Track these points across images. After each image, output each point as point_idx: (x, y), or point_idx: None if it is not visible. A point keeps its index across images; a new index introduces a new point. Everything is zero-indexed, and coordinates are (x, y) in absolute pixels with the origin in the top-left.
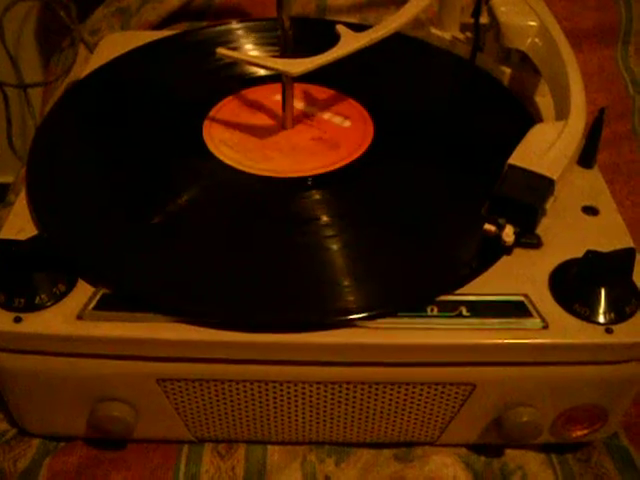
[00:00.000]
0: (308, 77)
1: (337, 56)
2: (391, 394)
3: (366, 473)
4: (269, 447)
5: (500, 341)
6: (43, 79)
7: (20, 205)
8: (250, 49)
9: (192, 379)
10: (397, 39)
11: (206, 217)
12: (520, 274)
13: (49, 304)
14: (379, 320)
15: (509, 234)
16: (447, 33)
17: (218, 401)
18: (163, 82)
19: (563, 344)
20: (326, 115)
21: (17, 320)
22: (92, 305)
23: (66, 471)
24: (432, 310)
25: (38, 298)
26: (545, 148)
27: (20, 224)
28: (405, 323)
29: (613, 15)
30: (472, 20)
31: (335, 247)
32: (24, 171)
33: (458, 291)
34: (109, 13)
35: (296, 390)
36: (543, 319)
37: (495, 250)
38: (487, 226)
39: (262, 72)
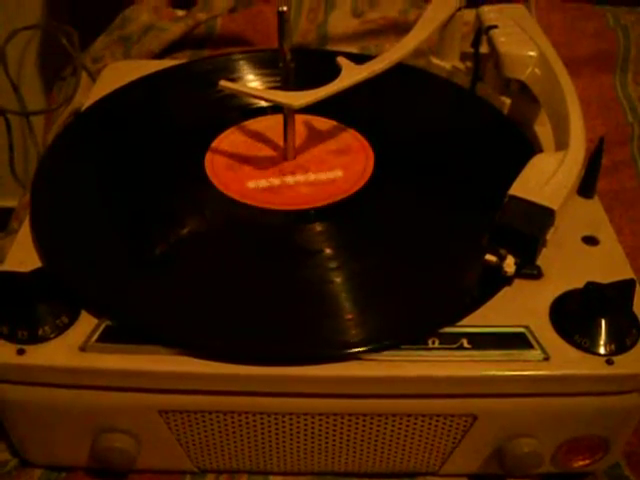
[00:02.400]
0: (309, 107)
1: (338, 89)
2: (393, 425)
3: None
4: (271, 478)
5: (501, 373)
6: (45, 106)
7: (23, 236)
8: (252, 79)
9: (194, 411)
10: (397, 68)
11: (208, 249)
12: (521, 305)
13: (52, 336)
14: (381, 353)
15: (510, 265)
16: (447, 62)
17: (220, 432)
18: (165, 113)
19: (564, 375)
20: (327, 146)
21: (20, 352)
22: (95, 337)
23: None
24: (433, 342)
25: (41, 330)
26: (545, 179)
27: (23, 255)
28: (407, 355)
29: (611, 43)
30: (472, 50)
31: (337, 280)
32: (26, 199)
33: (459, 323)
34: (111, 41)
35: (298, 422)
36: (544, 350)
37: (496, 281)
38: (488, 257)
39: (264, 103)
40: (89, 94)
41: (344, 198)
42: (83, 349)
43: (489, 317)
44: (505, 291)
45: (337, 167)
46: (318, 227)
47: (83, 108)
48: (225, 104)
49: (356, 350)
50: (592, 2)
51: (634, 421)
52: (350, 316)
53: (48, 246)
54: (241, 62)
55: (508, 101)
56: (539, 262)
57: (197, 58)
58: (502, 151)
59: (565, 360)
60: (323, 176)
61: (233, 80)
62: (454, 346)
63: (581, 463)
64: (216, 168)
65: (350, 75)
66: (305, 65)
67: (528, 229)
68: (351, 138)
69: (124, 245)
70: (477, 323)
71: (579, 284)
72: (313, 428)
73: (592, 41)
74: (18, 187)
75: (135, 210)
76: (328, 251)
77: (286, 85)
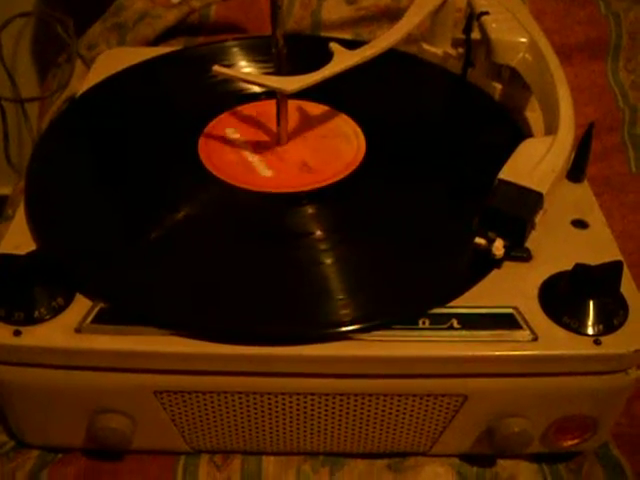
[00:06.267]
0: (301, 93)
1: (330, 74)
2: (384, 405)
3: None
4: (264, 458)
5: (490, 353)
6: (40, 93)
7: (18, 220)
8: (245, 66)
9: (188, 391)
10: (389, 54)
11: (202, 232)
12: (510, 287)
13: (48, 317)
14: (372, 333)
15: (499, 247)
16: (439, 49)
17: (214, 412)
18: (160, 99)
19: (552, 355)
20: (319, 131)
21: (17, 333)
22: (90, 319)
23: None
24: (424, 323)
25: (37, 312)
26: (534, 163)
27: (19, 239)
28: (398, 335)
29: (603, 29)
30: (464, 36)
31: (329, 261)
32: (21, 185)
33: (449, 304)
34: (106, 28)
35: (290, 401)
36: (532, 331)
37: (485, 263)
38: (478, 240)
39: (257, 89)
40: (84, 81)
41: (336, 181)
42: (78, 330)
43: (479, 298)
44: (495, 273)
45: (329, 151)
46: (310, 210)
47: (77, 95)
48: (219, 90)
49: (346, 329)
50: None
51: (622, 401)
52: (341, 296)
53: (43, 230)
54: (235, 49)
55: (499, 87)
56: (529, 245)
57: (191, 45)
58: (492, 136)
59: (553, 340)
60: (315, 160)
61: (227, 67)
62: (444, 326)
63: (570, 442)
64: (210, 152)
65: (342, 60)
66: (298, 51)
67: (517, 212)
68: (343, 123)
69: (117, 228)
70: (467, 304)
71: (568, 266)
72: (305, 408)
73: (584, 28)
74: (13, 174)
75: (128, 194)
76: (319, 233)
77: (279, 71)
